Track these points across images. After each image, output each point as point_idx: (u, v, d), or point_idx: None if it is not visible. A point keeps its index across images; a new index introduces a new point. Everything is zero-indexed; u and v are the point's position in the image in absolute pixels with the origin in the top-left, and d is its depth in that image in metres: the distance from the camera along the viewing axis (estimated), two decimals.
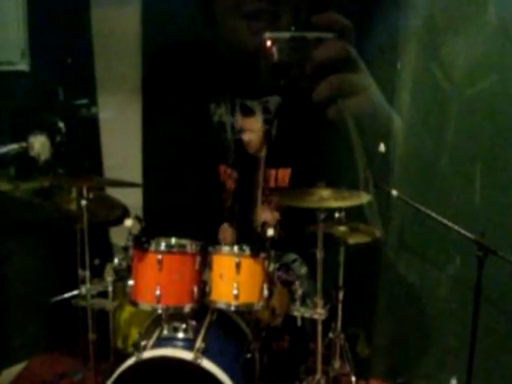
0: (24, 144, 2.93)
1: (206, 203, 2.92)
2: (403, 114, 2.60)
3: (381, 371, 3.00)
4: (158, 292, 2.14)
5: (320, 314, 2.25)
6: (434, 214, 2.36)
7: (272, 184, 2.83)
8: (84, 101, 3.27)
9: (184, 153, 2.94)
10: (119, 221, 2.50)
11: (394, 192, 2.48)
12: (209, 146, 2.90)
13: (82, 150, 3.27)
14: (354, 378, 2.68)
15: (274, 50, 1.65)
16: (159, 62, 3.02)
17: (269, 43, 1.65)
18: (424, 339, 2.84)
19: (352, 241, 2.52)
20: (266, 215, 2.81)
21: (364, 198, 2.28)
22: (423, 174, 2.67)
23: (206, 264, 2.26)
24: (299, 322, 2.30)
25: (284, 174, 2.82)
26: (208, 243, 2.28)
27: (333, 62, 1.66)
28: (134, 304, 2.24)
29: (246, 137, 2.79)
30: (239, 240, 2.40)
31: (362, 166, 2.45)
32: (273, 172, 2.83)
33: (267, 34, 1.66)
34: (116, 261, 2.31)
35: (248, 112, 2.78)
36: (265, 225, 2.31)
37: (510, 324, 2.53)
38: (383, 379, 2.97)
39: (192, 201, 2.89)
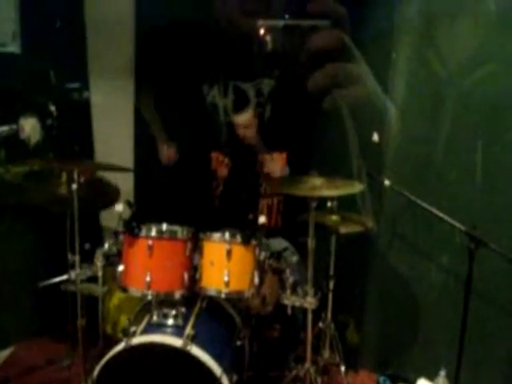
0: (14, 126, 2.91)
1: (196, 189, 2.90)
2: (398, 103, 2.59)
3: (370, 362, 3.01)
4: (148, 278, 2.12)
5: (310, 303, 2.24)
6: (426, 205, 2.36)
7: (268, 168, 2.82)
8: (76, 84, 3.24)
9: (176, 137, 2.93)
10: (111, 202, 2.46)
11: (387, 182, 2.47)
12: (202, 131, 2.88)
13: (73, 134, 3.25)
14: (343, 368, 2.68)
15: (268, 38, 1.62)
16: (152, 43, 2.99)
17: (262, 31, 1.62)
18: (413, 331, 2.84)
19: (344, 230, 2.52)
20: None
21: (356, 187, 2.26)
22: (417, 165, 2.66)
23: (196, 251, 2.24)
24: (290, 311, 2.29)
25: (279, 158, 2.80)
26: (199, 230, 2.26)
27: (328, 51, 1.63)
28: (124, 290, 2.22)
29: (240, 132, 2.77)
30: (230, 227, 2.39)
31: (355, 155, 2.44)
32: (267, 156, 2.81)
33: (260, 22, 1.63)
34: (106, 246, 2.29)
35: (240, 106, 2.76)
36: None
37: (500, 317, 2.53)
38: (372, 370, 2.99)
39: (183, 187, 2.88)
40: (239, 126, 2.77)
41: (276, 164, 2.79)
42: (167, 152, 2.99)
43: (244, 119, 2.75)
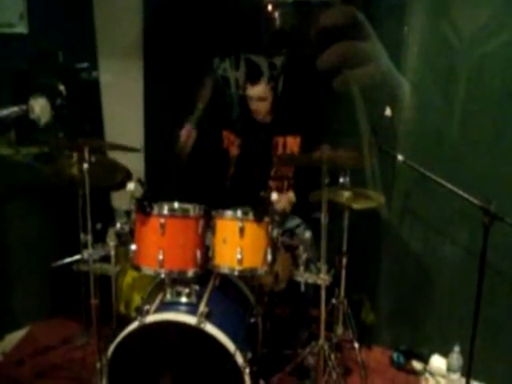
0: (24, 107, 2.89)
1: (208, 168, 2.88)
2: (411, 77, 2.55)
3: (383, 338, 3.01)
4: (160, 256, 2.12)
5: (324, 279, 2.23)
6: (440, 180, 2.32)
7: (280, 151, 2.77)
8: (85, 64, 3.22)
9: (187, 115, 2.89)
10: (121, 185, 2.46)
11: (400, 157, 2.43)
12: (213, 106, 2.84)
13: (82, 114, 3.24)
14: (356, 345, 2.67)
15: (277, 15, 1.58)
16: (161, 15, 2.95)
17: (270, 8, 1.58)
18: (427, 306, 2.83)
19: (356, 206, 2.49)
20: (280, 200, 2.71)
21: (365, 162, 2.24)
22: (430, 139, 2.63)
23: (209, 228, 2.24)
24: (303, 288, 2.28)
25: (293, 142, 2.75)
26: (211, 207, 2.25)
27: (339, 28, 1.58)
28: (137, 268, 2.22)
29: (253, 106, 2.70)
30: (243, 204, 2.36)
31: (366, 133, 2.40)
32: (280, 139, 2.76)
33: None
34: (118, 225, 2.28)
35: (253, 79, 2.69)
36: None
37: None
38: (386, 346, 2.98)
39: (195, 165, 2.85)
40: (252, 99, 2.70)
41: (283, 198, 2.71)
42: (187, 133, 2.84)
43: (258, 90, 2.69)
